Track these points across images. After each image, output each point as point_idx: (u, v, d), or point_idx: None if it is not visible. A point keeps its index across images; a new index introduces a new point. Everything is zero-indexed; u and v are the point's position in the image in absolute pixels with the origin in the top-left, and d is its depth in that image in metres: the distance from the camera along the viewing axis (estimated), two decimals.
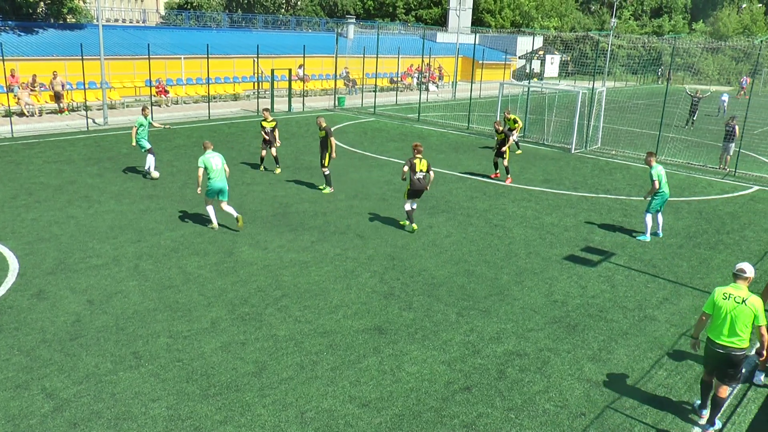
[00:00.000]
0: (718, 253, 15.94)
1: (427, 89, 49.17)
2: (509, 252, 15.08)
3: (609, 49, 57.57)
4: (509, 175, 22.03)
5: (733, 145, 25.80)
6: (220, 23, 56.17)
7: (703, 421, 8.90)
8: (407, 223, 16.35)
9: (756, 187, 22.94)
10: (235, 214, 15.60)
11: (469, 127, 33.70)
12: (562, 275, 13.85)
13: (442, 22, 74.96)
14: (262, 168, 21.99)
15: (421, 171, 15.64)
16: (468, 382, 9.48)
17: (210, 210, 15.67)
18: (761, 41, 33.34)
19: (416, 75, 53.04)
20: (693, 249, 16.11)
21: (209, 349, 10.06)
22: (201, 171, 15.14)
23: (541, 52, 66.93)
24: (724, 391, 8.60)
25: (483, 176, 22.51)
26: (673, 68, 44.57)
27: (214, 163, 15.29)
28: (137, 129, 19.97)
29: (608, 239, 16.44)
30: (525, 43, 66.57)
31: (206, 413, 8.46)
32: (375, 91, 40.38)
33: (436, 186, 20.72)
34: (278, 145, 21.48)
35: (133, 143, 20.22)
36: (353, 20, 57.90)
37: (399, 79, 51.29)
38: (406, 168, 15.45)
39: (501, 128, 22.09)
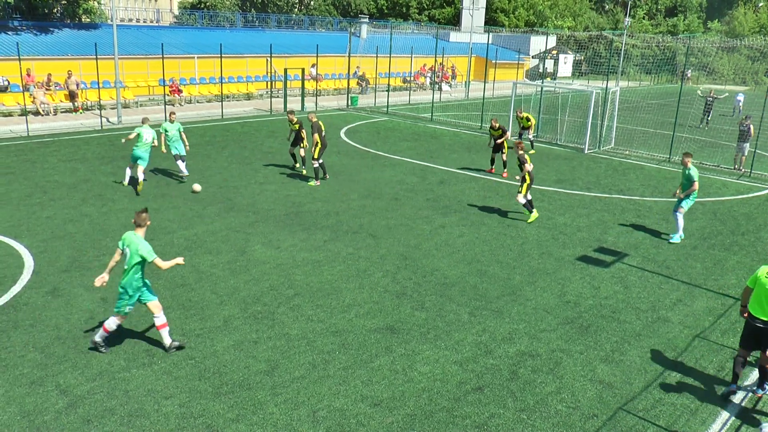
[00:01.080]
0: (733, 254, 15.82)
1: (440, 89, 49.11)
2: (522, 252, 15.04)
3: (623, 48, 57.22)
4: (506, 169, 22.66)
5: (748, 145, 25.57)
6: (234, 23, 56.35)
7: (736, 398, 9.51)
8: (531, 213, 17.48)
9: None
10: (141, 177, 18.52)
11: (482, 126, 33.61)
12: (575, 276, 13.80)
13: (455, 21, 74.83)
14: (296, 166, 22.37)
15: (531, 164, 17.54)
16: (480, 383, 9.47)
17: (127, 171, 19.41)
18: None
19: (429, 74, 52.97)
20: (707, 250, 16.01)
21: (221, 348, 10.10)
22: (133, 135, 18.83)
23: (554, 52, 66.68)
24: (763, 362, 9.27)
25: (496, 176, 22.46)
26: (687, 67, 44.21)
27: (146, 136, 18.65)
28: (164, 135, 19.74)
29: (621, 240, 16.36)
30: (538, 43, 66.31)
31: (218, 411, 8.50)
32: (388, 91, 40.40)
33: (449, 186, 20.70)
34: (305, 145, 21.17)
35: (163, 150, 19.93)
36: (366, 20, 57.88)
37: (412, 78, 51.24)
38: (530, 167, 17.07)
39: (497, 124, 22.44)
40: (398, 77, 51.26)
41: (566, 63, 69.85)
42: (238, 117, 33.46)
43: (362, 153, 25.26)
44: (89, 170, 20.84)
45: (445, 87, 51.72)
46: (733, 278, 14.29)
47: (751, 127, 25.43)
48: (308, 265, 13.58)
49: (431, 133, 31.34)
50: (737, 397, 9.51)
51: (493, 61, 51.32)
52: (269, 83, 41.31)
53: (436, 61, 45.06)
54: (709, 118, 37.88)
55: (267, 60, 40.96)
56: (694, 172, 16.06)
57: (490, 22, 75.28)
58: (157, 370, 9.38)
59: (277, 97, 39.56)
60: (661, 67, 69.07)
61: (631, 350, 10.74)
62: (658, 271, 14.39)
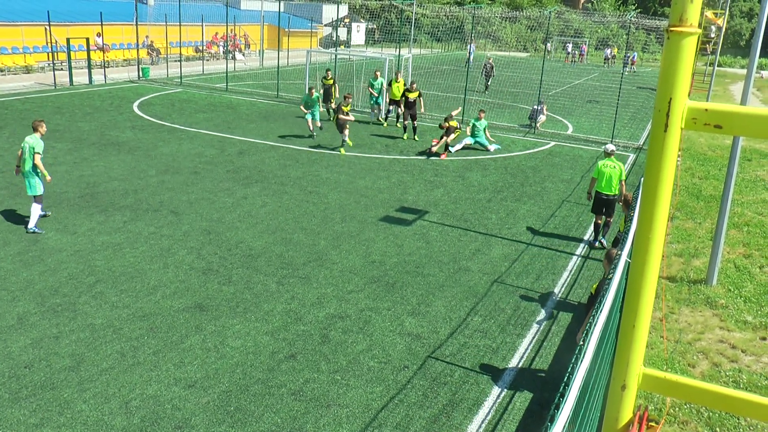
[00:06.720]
0: (523, 204, 16.99)
1: (233, 58, 47.93)
2: (325, 217, 15.11)
3: (413, 17, 59.16)
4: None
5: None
6: None
7: (597, 243, 14.32)
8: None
9: (553, 143, 24.61)
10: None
11: (279, 95, 33.30)
12: (379, 236, 14.11)
13: None
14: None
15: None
16: (292, 350, 9.41)
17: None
18: (550, 12, 35.76)
19: (222, 43, 51.51)
20: (501, 202, 17.04)
21: (17, 348, 9.16)
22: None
23: (347, 20, 67.41)
24: (606, 221, 14.18)
25: (295, 144, 22.35)
26: (475, 36, 46.48)
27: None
28: (41, 156, 13.45)
29: (422, 198, 16.96)
30: (330, 12, 66.68)
31: (18, 418, 7.70)
32: (180, 61, 38.76)
33: (249, 156, 20.31)
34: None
35: (49, 176, 13.63)
36: None
37: (204, 47, 49.56)
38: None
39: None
40: (190, 47, 49.31)
41: (359, 31, 70.91)
42: (17, 92, 30.42)
43: (158, 126, 24.06)
44: None
45: (238, 56, 50.55)
46: (524, 225, 15.36)
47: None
48: (108, 249, 12.72)
49: (227, 103, 30.52)
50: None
51: (287, 30, 50.89)
52: (51, 54, 37.99)
53: (228, 29, 43.78)
54: (489, 84, 39.81)
55: (46, 29, 37.58)
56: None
57: None
58: None
59: (61, 69, 36.53)
60: (451, 36, 72.17)
61: (435, 301, 11.19)
62: (457, 225, 15.10)
